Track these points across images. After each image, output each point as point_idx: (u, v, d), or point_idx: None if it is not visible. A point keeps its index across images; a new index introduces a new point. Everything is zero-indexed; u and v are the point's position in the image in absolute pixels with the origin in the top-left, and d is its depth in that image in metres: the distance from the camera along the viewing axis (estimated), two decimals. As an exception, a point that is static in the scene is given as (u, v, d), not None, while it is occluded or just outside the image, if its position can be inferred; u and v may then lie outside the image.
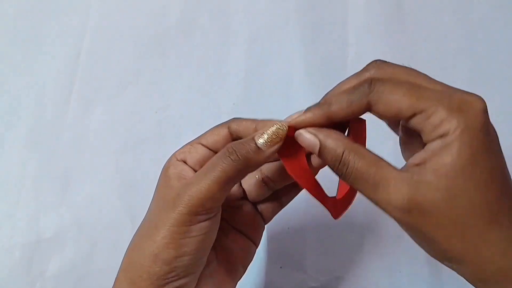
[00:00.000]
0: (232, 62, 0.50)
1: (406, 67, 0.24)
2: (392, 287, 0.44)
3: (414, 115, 0.22)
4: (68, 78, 0.50)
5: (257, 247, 0.33)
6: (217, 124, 0.30)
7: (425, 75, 0.24)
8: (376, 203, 0.23)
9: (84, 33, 0.51)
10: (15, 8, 0.52)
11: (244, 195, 0.32)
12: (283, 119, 0.28)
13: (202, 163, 0.28)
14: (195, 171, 0.28)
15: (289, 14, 0.51)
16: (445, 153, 0.21)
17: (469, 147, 0.21)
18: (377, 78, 0.23)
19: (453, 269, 0.24)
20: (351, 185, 0.24)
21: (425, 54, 0.49)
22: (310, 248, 0.44)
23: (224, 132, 0.29)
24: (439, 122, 0.21)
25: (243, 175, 0.27)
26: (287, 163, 0.27)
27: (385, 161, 0.23)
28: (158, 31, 0.51)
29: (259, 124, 0.27)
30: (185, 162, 0.28)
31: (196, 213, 0.25)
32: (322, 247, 0.44)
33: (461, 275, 0.24)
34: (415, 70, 0.24)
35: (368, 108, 0.24)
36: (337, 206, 0.29)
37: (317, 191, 0.28)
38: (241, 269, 0.32)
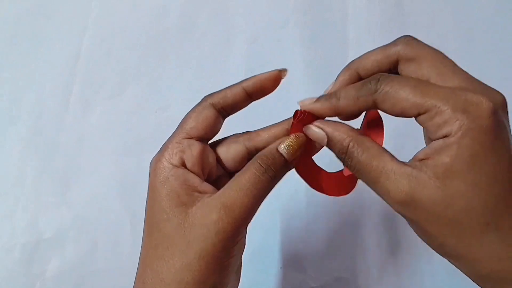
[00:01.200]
0: (232, 62, 0.50)
1: (433, 49, 0.24)
2: (392, 287, 0.44)
3: (418, 114, 0.22)
4: (68, 78, 0.50)
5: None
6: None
7: (451, 61, 0.24)
8: (377, 193, 0.24)
9: (84, 33, 0.51)
10: (15, 8, 0.52)
11: (222, 171, 0.30)
12: (284, 118, 0.28)
13: (201, 160, 0.27)
14: (194, 173, 0.26)
15: (289, 14, 0.51)
16: (445, 153, 0.21)
17: (468, 150, 0.21)
18: (385, 76, 0.24)
19: (451, 262, 0.24)
20: (356, 175, 0.25)
21: (425, 54, 0.49)
22: (310, 248, 0.44)
23: (210, 113, 0.27)
24: (442, 123, 0.22)
25: (273, 188, 0.26)
26: (298, 166, 0.27)
27: (388, 154, 0.24)
28: (158, 31, 0.51)
29: (244, 83, 0.28)
30: (182, 165, 0.26)
31: (239, 234, 0.25)
32: (322, 247, 0.44)
33: (458, 269, 0.24)
34: (442, 54, 0.24)
35: (374, 106, 0.24)
36: (344, 182, 0.28)
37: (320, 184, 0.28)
38: (240, 258, 0.32)
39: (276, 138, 0.28)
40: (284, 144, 0.26)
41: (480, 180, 0.21)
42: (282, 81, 0.28)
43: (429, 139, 0.24)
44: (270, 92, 0.29)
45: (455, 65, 0.24)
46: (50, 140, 0.48)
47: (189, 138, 0.27)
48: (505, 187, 0.21)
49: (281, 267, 0.44)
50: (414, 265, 0.44)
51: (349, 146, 0.24)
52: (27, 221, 0.45)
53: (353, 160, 0.24)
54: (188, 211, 0.25)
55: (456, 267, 0.24)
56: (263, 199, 0.25)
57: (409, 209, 0.22)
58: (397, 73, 0.26)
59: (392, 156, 0.24)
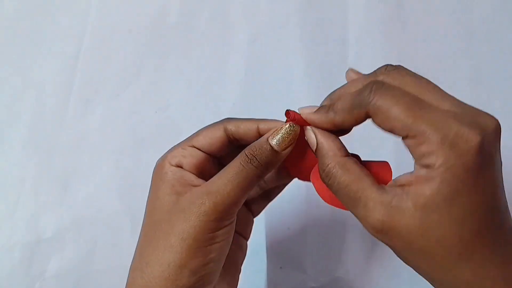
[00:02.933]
0: (232, 62, 0.50)
1: (417, 78, 0.23)
2: (392, 287, 0.44)
3: (406, 136, 0.22)
4: (68, 78, 0.50)
5: (247, 241, 0.33)
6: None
7: (437, 88, 0.23)
8: (355, 215, 0.24)
9: (84, 33, 0.51)
10: (15, 8, 0.52)
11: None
12: (284, 118, 0.28)
13: (199, 167, 0.28)
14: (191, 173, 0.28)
15: (289, 14, 0.51)
16: (427, 185, 0.21)
17: (449, 186, 0.21)
18: (379, 85, 0.23)
19: None
20: (335, 196, 0.25)
21: (425, 54, 0.49)
22: (310, 248, 0.44)
23: (219, 134, 0.28)
24: (427, 153, 0.21)
25: (263, 178, 0.27)
26: (291, 163, 0.27)
27: (369, 179, 0.23)
28: (158, 31, 0.51)
29: (261, 124, 0.27)
30: (181, 167, 0.27)
31: (222, 219, 0.26)
32: (322, 247, 0.44)
33: None
34: (427, 81, 0.23)
35: (368, 117, 0.24)
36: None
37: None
38: (239, 265, 0.32)
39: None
40: (275, 136, 0.26)
41: (458, 215, 0.21)
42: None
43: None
44: None
45: (441, 90, 0.23)
46: (50, 140, 0.48)
47: (191, 146, 0.28)
48: (482, 221, 0.21)
49: (281, 267, 0.44)
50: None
51: (330, 165, 0.24)
52: (27, 221, 0.45)
53: (331, 180, 0.24)
54: (179, 198, 0.26)
55: None
56: (249, 188, 0.26)
57: (384, 236, 0.23)
58: None
59: (373, 181, 0.23)
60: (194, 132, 0.29)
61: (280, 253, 0.44)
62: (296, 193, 0.45)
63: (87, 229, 0.45)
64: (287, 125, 0.26)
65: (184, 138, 0.29)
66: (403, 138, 0.22)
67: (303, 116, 0.26)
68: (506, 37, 0.49)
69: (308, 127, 0.26)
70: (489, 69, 0.48)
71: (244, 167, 0.26)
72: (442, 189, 0.21)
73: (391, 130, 0.23)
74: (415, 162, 0.22)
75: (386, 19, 0.50)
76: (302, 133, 0.27)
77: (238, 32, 0.51)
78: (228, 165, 0.26)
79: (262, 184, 0.32)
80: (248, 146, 0.26)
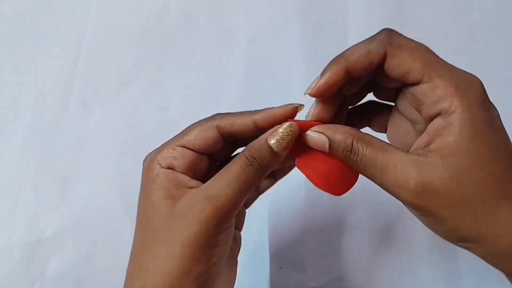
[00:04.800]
0: (232, 62, 0.50)
1: (416, 42, 0.24)
2: (392, 287, 0.44)
3: (420, 81, 0.23)
4: (68, 78, 0.50)
5: (240, 231, 0.33)
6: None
7: (434, 53, 0.24)
8: (386, 187, 0.24)
9: (84, 33, 0.51)
10: (15, 8, 0.52)
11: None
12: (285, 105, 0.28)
13: (192, 168, 0.27)
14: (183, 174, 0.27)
15: (289, 14, 0.51)
16: (448, 132, 0.22)
17: (471, 126, 0.21)
18: (394, 31, 0.24)
19: (467, 249, 0.24)
20: (362, 173, 0.25)
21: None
22: (310, 248, 0.44)
23: (212, 134, 0.27)
24: (443, 96, 0.22)
25: (263, 179, 0.27)
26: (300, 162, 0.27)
27: (392, 145, 0.24)
28: (158, 31, 0.51)
29: (257, 116, 0.27)
30: (172, 169, 0.26)
31: (223, 223, 0.25)
32: (322, 247, 0.44)
33: (475, 254, 0.24)
34: (424, 46, 0.24)
35: (383, 60, 0.24)
36: (345, 176, 0.27)
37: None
38: (236, 257, 0.32)
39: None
40: (274, 136, 0.25)
41: (486, 153, 0.21)
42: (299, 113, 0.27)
43: (397, 129, 0.26)
44: None
45: (438, 56, 0.24)
46: (50, 140, 0.48)
47: (182, 147, 0.27)
48: (507, 157, 0.22)
49: (281, 267, 0.44)
50: (415, 265, 0.44)
51: (353, 143, 0.24)
52: (27, 221, 0.45)
53: (359, 156, 0.24)
54: (175, 203, 0.25)
55: (472, 251, 0.24)
56: (249, 190, 0.26)
57: (421, 197, 0.22)
58: (383, 67, 0.25)
59: (396, 147, 0.24)
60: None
61: (280, 253, 0.44)
62: (296, 193, 0.45)
63: (87, 229, 0.45)
64: (286, 125, 0.25)
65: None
66: (416, 84, 0.23)
67: (316, 113, 0.26)
68: (506, 37, 0.49)
69: (308, 131, 0.26)
70: (489, 69, 0.48)
71: (245, 170, 0.25)
72: (465, 130, 0.21)
73: (405, 73, 0.23)
74: (424, 115, 0.23)
75: (386, 19, 0.50)
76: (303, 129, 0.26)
77: (238, 32, 0.51)
78: (227, 166, 0.26)
79: None
80: (247, 148, 0.26)
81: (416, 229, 0.44)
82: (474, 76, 0.23)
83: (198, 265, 0.24)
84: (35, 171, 0.47)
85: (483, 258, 0.24)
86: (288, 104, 0.27)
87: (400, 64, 0.23)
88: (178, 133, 0.28)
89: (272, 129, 0.26)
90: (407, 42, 0.24)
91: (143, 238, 0.26)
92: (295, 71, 0.49)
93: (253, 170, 0.25)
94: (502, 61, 0.49)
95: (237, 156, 0.26)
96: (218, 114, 0.28)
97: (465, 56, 0.49)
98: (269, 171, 0.26)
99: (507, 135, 0.23)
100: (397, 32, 0.24)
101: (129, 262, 0.27)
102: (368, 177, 0.24)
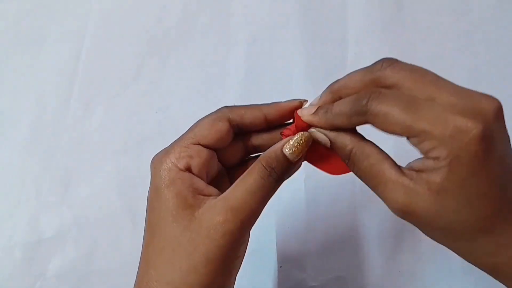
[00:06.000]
0: (232, 62, 0.50)
1: (412, 71, 0.23)
2: (392, 287, 0.44)
3: (408, 137, 0.23)
4: (68, 78, 0.50)
5: None
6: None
7: (433, 77, 0.23)
8: (377, 195, 0.25)
9: (85, 33, 0.51)
10: (16, 8, 0.52)
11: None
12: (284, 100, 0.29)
13: (207, 168, 0.27)
14: (199, 177, 0.26)
15: (289, 14, 0.51)
16: (436, 174, 0.22)
17: (458, 174, 0.21)
18: (376, 94, 0.23)
19: None
20: (360, 179, 0.25)
21: (425, 54, 0.49)
22: (310, 248, 0.44)
23: (225, 127, 0.27)
24: (431, 148, 0.22)
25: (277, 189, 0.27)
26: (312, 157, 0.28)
27: (388, 161, 0.24)
28: (158, 31, 0.51)
29: (265, 109, 0.27)
30: (189, 169, 0.26)
31: (245, 235, 0.25)
32: (322, 247, 0.44)
33: None
34: (421, 73, 0.23)
35: (367, 123, 0.24)
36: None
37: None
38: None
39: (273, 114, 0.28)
40: (289, 145, 0.25)
41: (470, 198, 0.22)
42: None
43: None
44: (288, 121, 0.29)
45: (437, 78, 0.23)
46: (50, 140, 0.48)
47: (197, 144, 0.27)
48: (496, 199, 0.22)
49: (280, 266, 0.44)
50: (415, 264, 0.44)
51: (351, 153, 0.25)
52: (28, 221, 0.45)
53: (355, 167, 0.25)
54: (195, 214, 0.25)
55: None
56: (268, 200, 0.26)
57: (405, 216, 0.23)
58: None
59: (392, 163, 0.24)
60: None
61: (280, 253, 0.44)
62: (296, 193, 0.45)
63: (88, 229, 0.45)
64: (299, 134, 0.26)
65: None
66: (406, 138, 0.23)
67: (303, 117, 0.26)
68: (506, 37, 0.49)
69: (313, 129, 0.26)
70: (489, 69, 0.48)
71: (265, 180, 0.25)
72: (451, 177, 0.21)
73: (392, 133, 0.23)
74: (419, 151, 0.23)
75: (386, 19, 0.50)
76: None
77: (238, 32, 0.51)
78: (245, 176, 0.25)
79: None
80: (264, 157, 0.25)
81: (416, 229, 0.44)
82: (474, 116, 0.21)
83: (219, 278, 0.25)
84: (36, 171, 0.47)
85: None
86: (294, 99, 0.28)
87: (383, 127, 0.23)
88: (185, 131, 0.28)
89: (286, 139, 0.26)
90: (384, 105, 0.22)
91: (160, 248, 0.25)
92: (295, 71, 0.49)
93: (272, 180, 0.25)
94: (502, 61, 0.49)
95: (254, 166, 0.26)
96: (226, 106, 0.28)
97: (465, 56, 0.49)
98: (285, 180, 0.27)
99: (506, 170, 0.22)
100: (379, 92, 0.23)
101: (141, 271, 0.26)
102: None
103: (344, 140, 0.25)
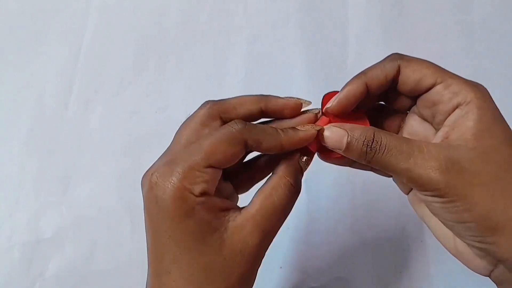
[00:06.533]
0: (232, 62, 0.50)
1: (418, 58, 0.26)
2: (392, 287, 0.44)
3: (434, 84, 0.25)
4: (68, 78, 0.50)
5: None
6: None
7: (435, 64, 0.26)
8: (412, 171, 0.23)
9: (84, 33, 0.51)
10: (15, 8, 0.52)
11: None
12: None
13: (220, 186, 0.25)
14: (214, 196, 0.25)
15: (289, 14, 0.51)
16: (467, 119, 0.23)
17: (488, 110, 0.23)
18: (404, 54, 0.26)
19: (493, 247, 0.23)
20: (381, 163, 0.24)
21: (425, 54, 0.49)
22: (310, 248, 0.44)
23: (240, 150, 0.25)
24: (458, 90, 0.24)
25: None
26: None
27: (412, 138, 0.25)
28: (158, 31, 0.51)
29: (285, 141, 0.26)
30: (205, 194, 0.24)
31: (268, 247, 0.26)
32: (322, 247, 0.44)
33: (501, 255, 0.23)
34: (426, 61, 0.26)
35: (397, 72, 0.26)
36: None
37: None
38: None
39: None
40: (304, 158, 0.27)
41: (505, 136, 0.23)
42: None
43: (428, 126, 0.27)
44: (301, 146, 0.28)
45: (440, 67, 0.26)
46: (50, 140, 0.48)
47: (210, 167, 0.24)
48: None
49: (281, 267, 0.44)
50: (414, 265, 0.44)
51: (375, 133, 0.24)
52: (27, 221, 0.45)
53: (382, 144, 0.24)
54: (223, 237, 0.24)
55: (497, 251, 0.23)
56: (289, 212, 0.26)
57: (450, 173, 0.22)
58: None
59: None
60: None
61: (280, 253, 0.44)
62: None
63: (87, 229, 0.45)
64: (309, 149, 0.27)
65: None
66: (430, 88, 0.25)
67: (336, 105, 0.27)
68: (506, 37, 0.49)
69: (330, 125, 0.26)
70: (489, 68, 0.48)
71: (292, 196, 0.26)
72: (483, 114, 0.23)
73: (420, 80, 0.25)
74: (443, 114, 0.25)
75: (386, 19, 0.50)
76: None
77: (238, 32, 0.51)
78: (272, 193, 0.25)
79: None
80: (288, 173, 0.26)
81: (416, 229, 0.44)
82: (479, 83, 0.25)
83: None
84: (36, 171, 0.47)
85: (503, 258, 0.23)
86: (311, 128, 0.26)
87: (413, 72, 0.25)
88: (193, 146, 0.25)
89: (300, 151, 0.27)
90: (415, 58, 0.26)
91: (189, 275, 0.24)
92: (295, 71, 0.49)
93: (295, 193, 0.26)
94: (502, 61, 0.49)
95: (278, 179, 0.25)
96: (242, 123, 0.25)
97: (465, 56, 0.49)
98: None
99: None
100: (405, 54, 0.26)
101: None
102: (389, 167, 0.24)
103: (361, 129, 0.25)
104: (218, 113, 0.27)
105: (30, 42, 0.51)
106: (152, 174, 0.25)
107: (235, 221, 0.24)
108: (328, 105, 0.27)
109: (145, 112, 0.49)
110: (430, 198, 0.24)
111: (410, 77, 0.25)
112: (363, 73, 0.26)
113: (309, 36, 0.50)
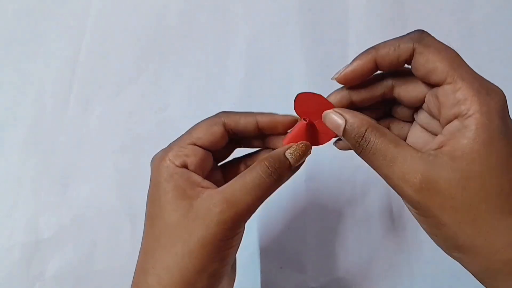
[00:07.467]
0: (232, 62, 0.50)
1: (445, 45, 0.25)
2: (392, 287, 0.44)
3: (443, 82, 0.23)
4: (67, 78, 0.50)
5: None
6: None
7: (461, 58, 0.25)
8: (390, 179, 0.24)
9: (84, 33, 0.51)
10: (15, 7, 0.52)
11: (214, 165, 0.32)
12: (289, 113, 0.30)
13: (202, 166, 0.28)
14: (195, 173, 0.28)
15: (289, 14, 0.51)
16: (462, 135, 0.22)
17: (486, 131, 0.21)
18: (426, 33, 0.24)
19: (459, 260, 0.24)
20: (369, 162, 0.25)
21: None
22: (310, 248, 0.44)
23: (220, 130, 0.29)
24: (463, 98, 0.22)
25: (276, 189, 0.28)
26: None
27: (404, 141, 0.24)
28: (158, 31, 0.51)
29: (259, 117, 0.29)
30: (185, 167, 0.27)
31: (239, 226, 0.26)
32: (322, 248, 0.44)
33: (467, 268, 0.24)
34: (454, 51, 0.25)
35: (410, 56, 0.24)
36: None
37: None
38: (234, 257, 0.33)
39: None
40: (292, 150, 0.27)
41: (496, 163, 0.21)
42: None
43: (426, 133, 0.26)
44: (281, 134, 0.30)
45: (465, 62, 0.24)
46: (49, 140, 0.48)
47: (192, 145, 0.28)
48: None
49: (281, 267, 0.44)
50: (415, 265, 0.44)
51: (367, 130, 0.25)
52: (27, 221, 0.45)
53: (369, 143, 0.24)
54: (193, 203, 0.26)
55: (464, 264, 0.23)
56: (265, 198, 0.27)
57: (423, 193, 0.22)
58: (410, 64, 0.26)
59: (408, 144, 0.24)
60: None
61: (280, 253, 0.44)
62: (296, 193, 0.45)
63: (87, 229, 0.45)
64: (301, 143, 0.27)
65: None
66: (438, 84, 0.23)
67: (344, 74, 0.26)
68: (506, 37, 0.49)
69: (329, 111, 0.27)
70: (489, 69, 0.48)
71: (265, 179, 0.26)
72: (479, 135, 0.21)
73: (429, 72, 0.23)
74: (443, 117, 0.23)
75: (386, 19, 0.50)
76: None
77: (238, 32, 0.51)
78: (246, 173, 0.26)
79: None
80: (267, 157, 0.27)
81: (416, 229, 0.44)
82: (497, 86, 0.23)
83: (213, 264, 0.25)
84: (35, 171, 0.47)
85: (474, 274, 0.23)
86: (289, 114, 0.29)
87: (426, 62, 0.24)
88: (183, 133, 0.29)
89: (289, 145, 0.28)
90: (436, 43, 0.24)
91: (157, 235, 0.26)
92: (295, 71, 0.49)
93: (273, 180, 0.26)
94: (503, 60, 0.49)
95: (256, 164, 0.27)
96: (223, 112, 0.29)
97: (466, 56, 0.49)
98: (284, 181, 0.28)
99: None
100: (429, 33, 0.25)
101: (140, 259, 0.27)
102: (374, 167, 0.25)
103: (360, 119, 0.25)
104: (223, 120, 0.29)
105: (29, 42, 0.51)
106: (153, 156, 0.29)
107: (207, 193, 0.26)
108: (336, 75, 0.27)
109: (145, 112, 0.49)
110: (407, 205, 0.24)
111: (421, 65, 0.24)
112: (374, 48, 0.26)
113: (309, 36, 0.50)
